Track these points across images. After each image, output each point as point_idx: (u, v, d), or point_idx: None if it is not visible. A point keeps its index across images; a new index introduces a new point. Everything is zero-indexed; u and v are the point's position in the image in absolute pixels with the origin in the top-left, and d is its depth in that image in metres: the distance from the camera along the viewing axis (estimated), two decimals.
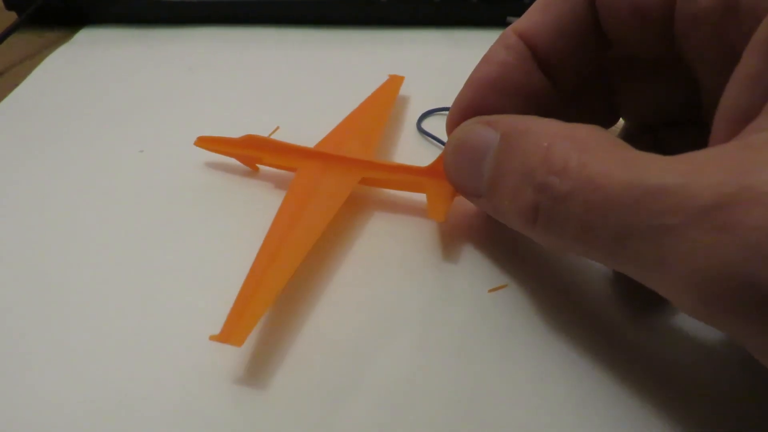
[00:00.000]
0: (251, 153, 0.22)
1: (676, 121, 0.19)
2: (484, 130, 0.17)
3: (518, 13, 0.18)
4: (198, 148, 0.23)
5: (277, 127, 0.26)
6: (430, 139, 0.26)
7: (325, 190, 0.21)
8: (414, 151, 0.25)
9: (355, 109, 0.25)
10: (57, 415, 0.15)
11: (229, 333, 0.16)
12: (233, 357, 0.16)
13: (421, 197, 0.22)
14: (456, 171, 0.18)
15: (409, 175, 0.21)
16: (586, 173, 0.13)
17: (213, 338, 0.15)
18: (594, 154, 0.13)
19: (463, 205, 0.22)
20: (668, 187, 0.11)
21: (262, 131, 0.24)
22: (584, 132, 0.14)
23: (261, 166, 0.23)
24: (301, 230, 0.19)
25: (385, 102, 0.27)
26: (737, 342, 0.12)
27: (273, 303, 0.17)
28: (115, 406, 0.15)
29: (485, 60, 0.18)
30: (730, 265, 0.10)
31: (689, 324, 0.17)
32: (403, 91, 0.29)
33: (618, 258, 0.13)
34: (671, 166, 0.12)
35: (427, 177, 0.21)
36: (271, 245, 0.18)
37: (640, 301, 0.18)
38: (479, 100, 0.18)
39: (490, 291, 0.18)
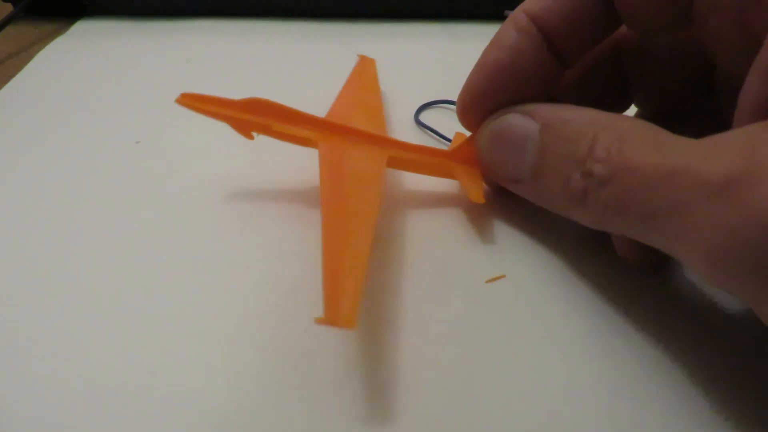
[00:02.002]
0: (254, 119, 0.20)
1: (688, 108, 0.19)
2: (522, 120, 0.17)
3: (515, 7, 0.18)
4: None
5: None
6: (427, 131, 0.26)
7: (359, 169, 0.19)
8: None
9: (339, 97, 0.25)
10: (57, 402, 0.15)
11: (336, 314, 0.13)
12: (227, 347, 0.16)
13: (416, 186, 0.22)
14: (494, 160, 0.19)
15: (435, 158, 0.21)
16: (623, 159, 0.14)
17: (319, 321, 0.13)
18: (632, 142, 0.14)
19: (461, 197, 0.22)
20: (689, 167, 0.13)
21: None
22: (627, 123, 0.15)
23: (257, 135, 0.21)
24: (357, 207, 0.17)
25: (371, 89, 0.26)
26: (751, 307, 0.13)
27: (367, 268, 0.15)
28: (115, 395, 0.15)
29: (496, 44, 0.18)
30: (734, 234, 0.12)
31: (688, 313, 0.17)
32: (402, 84, 0.29)
33: (648, 231, 0.14)
34: (693, 148, 0.13)
35: (453, 162, 0.21)
36: (334, 223, 0.17)
37: (639, 289, 0.18)
38: (490, 86, 0.18)
39: (488, 282, 0.18)
